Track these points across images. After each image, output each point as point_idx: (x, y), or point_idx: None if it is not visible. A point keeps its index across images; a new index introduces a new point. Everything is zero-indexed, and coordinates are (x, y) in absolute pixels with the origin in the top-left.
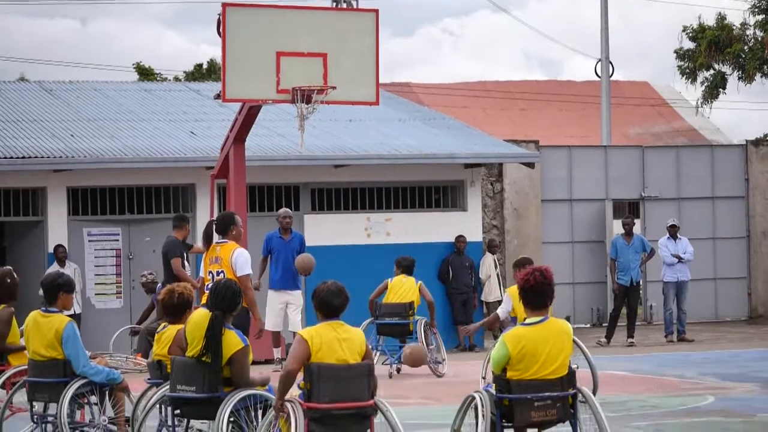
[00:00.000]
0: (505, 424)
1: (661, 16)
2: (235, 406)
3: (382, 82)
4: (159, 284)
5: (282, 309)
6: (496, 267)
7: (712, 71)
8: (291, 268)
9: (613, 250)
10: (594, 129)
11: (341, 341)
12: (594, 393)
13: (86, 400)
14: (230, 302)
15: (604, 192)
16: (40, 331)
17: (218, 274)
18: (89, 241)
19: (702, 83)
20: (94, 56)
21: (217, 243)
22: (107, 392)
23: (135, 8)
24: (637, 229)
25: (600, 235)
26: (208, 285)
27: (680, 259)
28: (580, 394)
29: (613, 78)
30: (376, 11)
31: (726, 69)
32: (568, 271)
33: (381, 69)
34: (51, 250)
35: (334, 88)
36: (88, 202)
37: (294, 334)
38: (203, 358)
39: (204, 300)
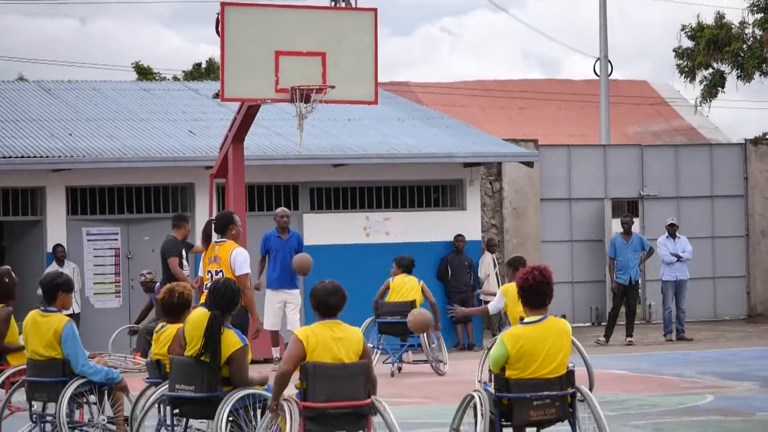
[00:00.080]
0: (504, 423)
1: (660, 15)
2: (234, 406)
3: (381, 82)
4: (157, 284)
5: (280, 308)
6: (495, 266)
7: (711, 70)
8: (289, 268)
9: (612, 249)
10: (593, 128)
11: (337, 340)
12: (590, 389)
13: (85, 400)
14: (229, 302)
15: (603, 191)
16: (38, 330)
17: (217, 273)
18: (88, 240)
19: (701, 82)
20: (93, 56)
21: (216, 242)
22: (106, 392)
23: (134, 8)
24: (636, 228)
25: (599, 234)
26: (207, 284)
27: (679, 258)
28: (578, 393)
29: (611, 77)
30: (375, 10)
31: (725, 68)
32: (567, 270)
33: (380, 68)
34: (50, 249)
35: (332, 87)
36: (87, 202)
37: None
38: (202, 358)
39: (203, 299)
